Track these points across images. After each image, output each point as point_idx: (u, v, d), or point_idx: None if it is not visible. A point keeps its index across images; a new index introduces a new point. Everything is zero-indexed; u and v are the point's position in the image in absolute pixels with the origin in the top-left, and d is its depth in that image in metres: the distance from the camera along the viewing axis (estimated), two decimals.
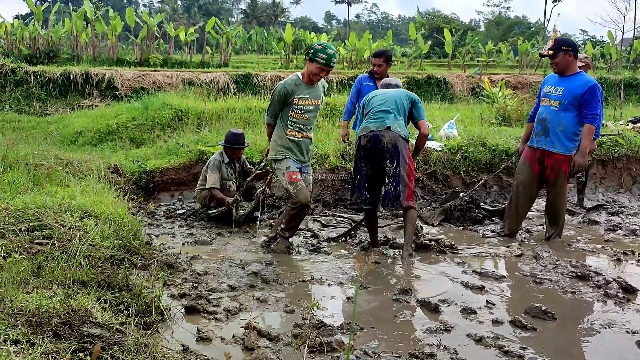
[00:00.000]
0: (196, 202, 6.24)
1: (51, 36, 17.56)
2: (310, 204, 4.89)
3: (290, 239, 4.97)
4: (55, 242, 3.58)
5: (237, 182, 6.13)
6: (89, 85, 12.67)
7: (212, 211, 5.90)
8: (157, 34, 19.83)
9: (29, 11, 23.84)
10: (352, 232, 5.48)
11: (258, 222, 5.72)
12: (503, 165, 6.62)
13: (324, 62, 4.57)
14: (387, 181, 4.72)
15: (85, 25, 17.96)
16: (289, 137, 4.78)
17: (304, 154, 4.91)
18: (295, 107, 4.73)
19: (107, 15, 19.10)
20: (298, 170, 4.82)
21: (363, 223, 5.39)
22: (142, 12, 21.65)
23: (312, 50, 4.61)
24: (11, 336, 2.25)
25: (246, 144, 6.24)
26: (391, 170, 4.68)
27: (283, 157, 4.78)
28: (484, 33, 46.93)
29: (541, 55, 5.54)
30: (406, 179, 4.72)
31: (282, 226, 4.88)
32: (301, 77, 4.77)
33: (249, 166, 6.38)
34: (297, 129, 4.79)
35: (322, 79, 4.90)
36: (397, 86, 5.16)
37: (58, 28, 18.13)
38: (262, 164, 5.96)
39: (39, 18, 17.65)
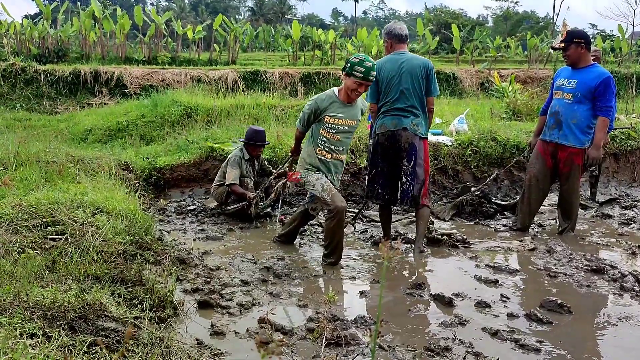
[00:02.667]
0: (209, 199, 6.24)
1: (60, 35, 17.62)
2: (346, 209, 4.46)
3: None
4: (69, 237, 3.58)
5: (255, 180, 6.06)
6: (98, 84, 12.69)
7: (230, 207, 5.82)
8: (165, 32, 19.84)
9: (38, 11, 23.96)
10: (357, 219, 5.51)
11: (278, 218, 5.69)
12: (515, 159, 6.57)
13: (362, 75, 4.15)
14: (404, 179, 4.70)
15: (94, 24, 17.99)
16: (319, 157, 4.43)
17: (333, 176, 4.50)
18: (327, 125, 4.35)
19: (115, 14, 19.16)
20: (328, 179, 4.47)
21: (364, 211, 5.51)
22: (149, 11, 21.65)
23: (348, 64, 4.21)
24: (27, 330, 2.25)
25: (267, 142, 6.18)
26: (408, 168, 4.67)
27: (312, 168, 4.46)
28: (492, 28, 46.63)
29: (553, 48, 5.48)
30: (422, 178, 4.71)
31: (325, 251, 4.49)
32: (337, 94, 4.38)
33: (266, 165, 6.30)
34: (327, 149, 4.41)
35: (363, 100, 4.62)
36: (406, 37, 4.81)
37: (67, 27, 18.19)
38: (286, 165, 5.85)
39: (47, 17, 17.73)
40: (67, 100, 12.30)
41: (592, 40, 5.30)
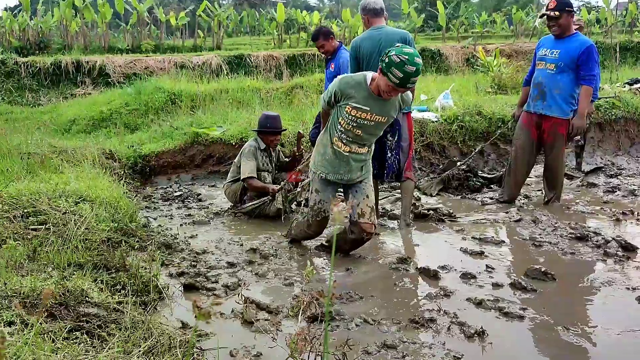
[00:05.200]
0: (195, 185, 6.19)
1: (41, 27, 17.32)
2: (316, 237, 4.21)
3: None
4: (51, 226, 3.55)
5: (273, 173, 5.40)
6: (81, 74, 12.52)
7: (248, 205, 5.15)
8: (147, 20, 19.57)
9: (17, 2, 23.54)
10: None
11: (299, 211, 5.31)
12: (498, 132, 6.57)
13: (398, 82, 3.33)
14: (389, 154, 4.70)
15: (75, 14, 17.70)
16: (334, 147, 3.73)
17: (349, 171, 3.79)
18: (347, 115, 3.59)
19: (96, 3, 18.84)
20: (330, 197, 3.87)
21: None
22: None
23: (386, 59, 3.34)
24: (5, 317, 2.23)
25: (284, 128, 5.57)
26: (393, 143, 4.67)
27: (318, 172, 3.86)
28: (478, 4, 46.28)
29: (542, 16, 5.41)
30: (406, 152, 4.73)
31: (291, 232, 4.33)
32: (369, 81, 3.57)
33: (284, 158, 5.67)
34: (344, 140, 3.69)
35: (408, 93, 3.75)
36: (382, 11, 4.59)
37: (47, 18, 17.88)
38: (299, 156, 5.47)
39: (27, 9, 17.42)
40: (49, 91, 12.14)
41: (577, 11, 5.27)
